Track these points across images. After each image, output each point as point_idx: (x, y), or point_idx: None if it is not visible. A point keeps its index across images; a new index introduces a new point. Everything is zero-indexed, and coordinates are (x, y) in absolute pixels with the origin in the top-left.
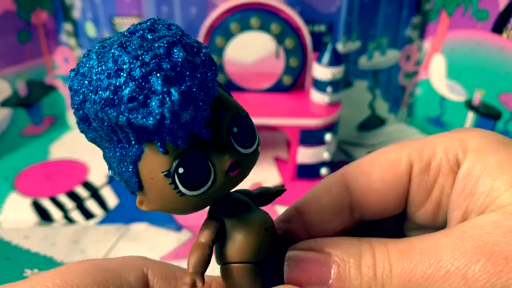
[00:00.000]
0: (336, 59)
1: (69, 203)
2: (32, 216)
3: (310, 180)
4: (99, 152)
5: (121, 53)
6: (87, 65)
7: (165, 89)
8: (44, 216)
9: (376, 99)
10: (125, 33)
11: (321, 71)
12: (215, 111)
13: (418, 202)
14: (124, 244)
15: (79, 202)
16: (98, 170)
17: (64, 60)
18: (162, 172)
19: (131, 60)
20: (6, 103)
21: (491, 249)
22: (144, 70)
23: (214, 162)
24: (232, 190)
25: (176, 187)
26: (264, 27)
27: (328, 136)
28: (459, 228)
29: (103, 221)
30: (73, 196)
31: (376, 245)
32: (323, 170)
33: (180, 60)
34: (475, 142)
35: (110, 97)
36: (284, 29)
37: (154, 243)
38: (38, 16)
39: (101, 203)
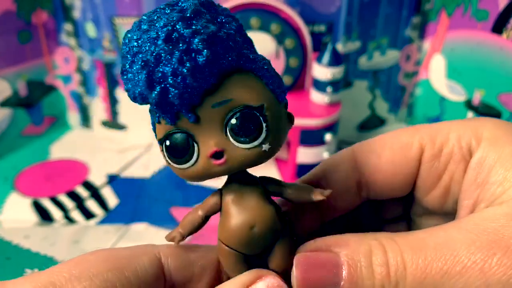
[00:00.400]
0: (336, 59)
1: (69, 203)
2: (32, 216)
3: None
4: (99, 152)
5: (136, 27)
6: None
7: (138, 71)
8: (45, 216)
9: (376, 99)
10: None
11: (321, 71)
12: (215, 97)
13: (427, 187)
14: (124, 244)
15: (79, 202)
16: (98, 170)
17: (64, 60)
18: (158, 139)
19: (133, 36)
20: (6, 103)
21: (507, 242)
22: (135, 50)
23: (200, 145)
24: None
25: (164, 155)
26: (264, 27)
27: (328, 136)
28: (471, 220)
29: (103, 221)
30: (73, 196)
31: (385, 241)
32: None
33: (159, 45)
34: (489, 132)
35: (121, 64)
36: (284, 29)
37: (154, 243)
38: (38, 16)
39: (101, 203)
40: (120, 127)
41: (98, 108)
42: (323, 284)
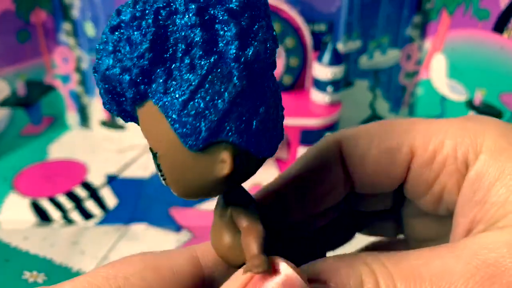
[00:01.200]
0: (337, 59)
1: (68, 204)
2: (31, 217)
3: None
4: (98, 152)
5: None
6: None
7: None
8: (43, 216)
9: (377, 99)
10: None
11: (322, 70)
12: None
13: (416, 192)
14: (124, 245)
15: (78, 203)
16: (97, 170)
17: (63, 59)
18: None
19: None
20: (5, 103)
21: (509, 278)
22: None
23: None
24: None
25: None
26: None
27: None
28: (469, 248)
29: (103, 222)
30: (72, 196)
31: (377, 268)
32: None
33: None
34: (491, 141)
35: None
36: (284, 28)
37: (153, 243)
38: (37, 16)
39: (100, 203)
40: (119, 127)
41: (97, 108)
42: None
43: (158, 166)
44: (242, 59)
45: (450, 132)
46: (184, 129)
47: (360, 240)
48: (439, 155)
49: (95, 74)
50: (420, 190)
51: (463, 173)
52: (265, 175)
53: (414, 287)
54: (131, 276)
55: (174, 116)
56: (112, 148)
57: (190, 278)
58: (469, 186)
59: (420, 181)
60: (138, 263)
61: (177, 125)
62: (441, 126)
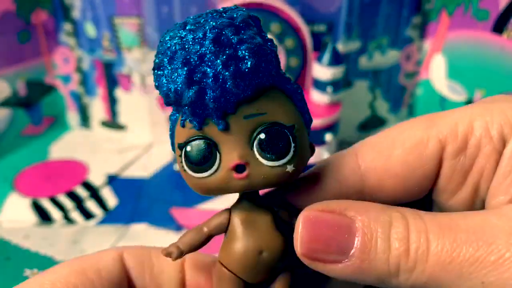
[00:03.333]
0: (336, 59)
1: (68, 203)
2: (31, 217)
3: None
4: (98, 152)
5: (179, 27)
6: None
7: (178, 68)
8: (44, 216)
9: (377, 99)
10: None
11: (321, 71)
12: (250, 108)
13: (450, 189)
14: (124, 244)
15: (78, 202)
16: (98, 170)
17: (63, 60)
18: (178, 143)
19: (176, 35)
20: (5, 103)
21: None
22: (177, 47)
23: (223, 156)
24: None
25: (182, 161)
26: (264, 27)
27: (328, 136)
28: None
29: (103, 221)
30: (72, 196)
31: (410, 216)
32: None
33: (206, 45)
34: None
35: (156, 61)
36: (284, 29)
37: (153, 243)
38: (38, 16)
39: (101, 203)
40: (120, 127)
41: (97, 108)
42: (330, 248)
43: (293, 137)
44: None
45: (475, 114)
46: (306, 115)
47: None
48: (472, 138)
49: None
50: (454, 186)
51: (501, 152)
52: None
53: (448, 235)
54: (56, 281)
55: (300, 104)
56: (113, 148)
57: (117, 279)
58: (507, 161)
59: (455, 173)
60: (63, 269)
61: (301, 110)
62: (463, 112)
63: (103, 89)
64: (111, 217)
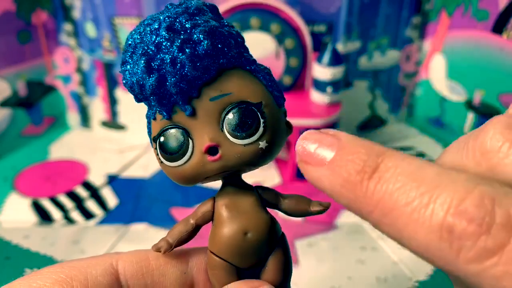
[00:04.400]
0: (336, 59)
1: (69, 203)
2: (32, 217)
3: None
4: (98, 152)
5: (140, 24)
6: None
7: (137, 60)
8: (44, 216)
9: (376, 100)
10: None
11: (321, 71)
12: (214, 90)
13: None
14: (124, 245)
15: (79, 202)
16: (98, 170)
17: (64, 60)
18: (152, 137)
19: (136, 31)
20: (6, 103)
21: None
22: (137, 41)
23: (195, 140)
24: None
25: (158, 154)
26: (264, 27)
27: None
28: None
29: (103, 221)
30: (73, 196)
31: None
32: None
33: (161, 34)
34: None
35: (122, 59)
36: (284, 29)
37: (153, 243)
38: (38, 16)
39: (101, 203)
40: (120, 127)
41: (97, 108)
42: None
43: (261, 113)
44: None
45: None
46: (276, 92)
47: None
48: None
49: (157, 88)
50: None
51: None
52: (265, 175)
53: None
54: None
55: (268, 83)
56: (113, 148)
57: None
58: None
59: None
60: (50, 275)
61: (270, 89)
62: None
63: (103, 89)
64: (111, 217)
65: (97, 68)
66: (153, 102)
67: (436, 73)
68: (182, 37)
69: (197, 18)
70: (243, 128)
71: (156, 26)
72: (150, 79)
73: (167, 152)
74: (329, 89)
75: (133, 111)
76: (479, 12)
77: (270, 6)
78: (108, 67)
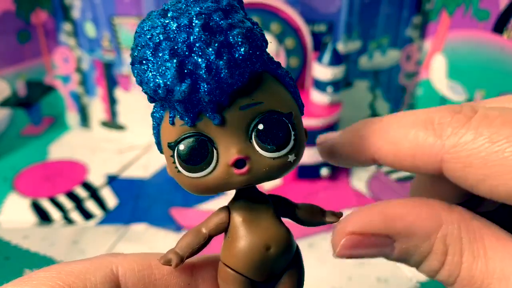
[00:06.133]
0: (337, 59)
1: (68, 204)
2: (31, 217)
3: (311, 180)
4: (98, 153)
5: (159, 15)
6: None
7: (165, 60)
8: (44, 216)
9: (377, 99)
10: None
11: (322, 71)
12: (244, 99)
13: None
14: (124, 245)
15: (78, 203)
16: (98, 171)
17: (63, 60)
18: (168, 143)
19: (156, 24)
20: (5, 103)
21: None
22: (161, 37)
23: (220, 151)
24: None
25: (174, 161)
26: (264, 27)
27: None
28: None
29: (103, 222)
30: (72, 196)
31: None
32: (324, 171)
33: (195, 33)
34: None
35: (134, 54)
36: (284, 29)
37: (153, 243)
38: (38, 16)
39: (101, 203)
40: (119, 127)
41: (97, 108)
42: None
43: (292, 125)
44: None
45: None
46: (299, 100)
47: None
48: None
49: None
50: None
51: None
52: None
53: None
54: None
55: (293, 89)
56: (112, 148)
57: None
58: None
59: None
60: (47, 282)
61: (295, 96)
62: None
63: (103, 89)
64: (111, 217)
65: (96, 68)
66: (178, 107)
67: (437, 73)
68: (219, 39)
69: (231, 16)
70: (274, 141)
71: (186, 22)
72: (183, 85)
73: (187, 162)
74: (329, 89)
75: (132, 111)
76: (479, 12)
77: (270, 6)
78: (107, 67)
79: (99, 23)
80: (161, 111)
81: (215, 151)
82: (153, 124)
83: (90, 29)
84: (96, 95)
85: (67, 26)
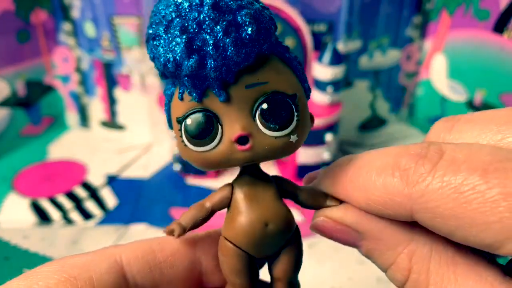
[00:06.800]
0: (337, 59)
1: (68, 204)
2: (31, 217)
3: None
4: (98, 153)
5: None
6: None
7: (175, 36)
8: (43, 216)
9: (377, 99)
10: None
11: (322, 70)
12: (251, 77)
13: None
14: None
15: (78, 203)
16: (97, 171)
17: (63, 60)
18: (176, 117)
19: (170, 3)
20: (5, 103)
21: None
22: (173, 15)
23: (225, 128)
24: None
25: (182, 135)
26: None
27: (328, 136)
28: None
29: (102, 222)
30: (72, 196)
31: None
32: None
33: (204, 11)
34: None
35: (149, 31)
36: (284, 28)
37: None
38: (37, 16)
39: (100, 203)
40: (119, 127)
41: (97, 108)
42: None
43: (295, 106)
44: None
45: None
46: (305, 84)
47: None
48: None
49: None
50: None
51: None
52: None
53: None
54: None
55: (300, 73)
56: (112, 148)
57: (113, 287)
58: None
59: None
60: (52, 274)
61: (301, 79)
62: None
63: (103, 89)
64: (110, 217)
65: (96, 67)
66: (186, 82)
67: (437, 73)
68: (227, 18)
69: None
70: (276, 120)
71: (198, 2)
72: (190, 60)
73: (193, 136)
74: (329, 88)
75: (132, 111)
76: (480, 12)
77: (270, 6)
78: (107, 67)
79: (99, 23)
80: (172, 88)
81: (219, 127)
82: (165, 101)
83: (89, 29)
84: (96, 95)
85: (66, 26)
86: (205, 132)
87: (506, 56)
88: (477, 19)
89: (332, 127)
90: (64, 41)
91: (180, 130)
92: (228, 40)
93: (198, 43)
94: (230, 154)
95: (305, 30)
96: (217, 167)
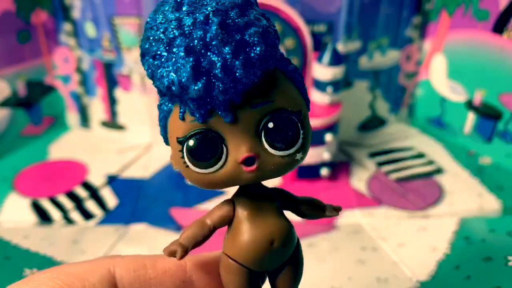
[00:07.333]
0: (337, 59)
1: (68, 204)
2: (31, 217)
3: (311, 180)
4: (98, 153)
5: (172, 8)
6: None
7: (180, 57)
8: (44, 216)
9: (377, 100)
10: None
11: (322, 71)
12: (255, 97)
13: None
14: (124, 245)
15: (78, 203)
16: (98, 171)
17: (63, 60)
18: (176, 138)
19: (170, 18)
20: (5, 103)
21: None
22: (176, 33)
23: (230, 149)
24: (271, 186)
25: (183, 156)
26: None
27: (328, 137)
28: None
29: (103, 222)
30: (72, 196)
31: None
32: (324, 171)
33: (212, 31)
34: None
35: (145, 46)
36: (284, 29)
37: (153, 243)
38: (38, 16)
39: (101, 203)
40: (120, 127)
41: (97, 108)
42: None
43: (301, 123)
44: None
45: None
46: (307, 97)
47: None
48: None
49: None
50: None
51: None
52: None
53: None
54: None
55: (301, 86)
56: (112, 148)
57: None
58: None
59: None
60: (48, 282)
61: (303, 93)
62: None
63: (103, 89)
64: (111, 217)
65: (96, 68)
66: (191, 104)
67: (437, 73)
68: (236, 38)
69: (247, 13)
70: (283, 139)
71: (202, 19)
72: (198, 83)
73: (197, 158)
74: (329, 89)
75: (132, 111)
76: (479, 12)
77: (270, 6)
78: (107, 67)
79: (99, 23)
80: (170, 105)
81: (224, 148)
82: (159, 115)
83: (90, 29)
84: (96, 95)
85: (67, 26)
86: (210, 153)
87: (505, 56)
88: (476, 19)
89: (332, 127)
90: (65, 42)
91: (182, 151)
92: (237, 62)
93: (205, 65)
94: (236, 175)
95: (305, 30)
96: (221, 187)
